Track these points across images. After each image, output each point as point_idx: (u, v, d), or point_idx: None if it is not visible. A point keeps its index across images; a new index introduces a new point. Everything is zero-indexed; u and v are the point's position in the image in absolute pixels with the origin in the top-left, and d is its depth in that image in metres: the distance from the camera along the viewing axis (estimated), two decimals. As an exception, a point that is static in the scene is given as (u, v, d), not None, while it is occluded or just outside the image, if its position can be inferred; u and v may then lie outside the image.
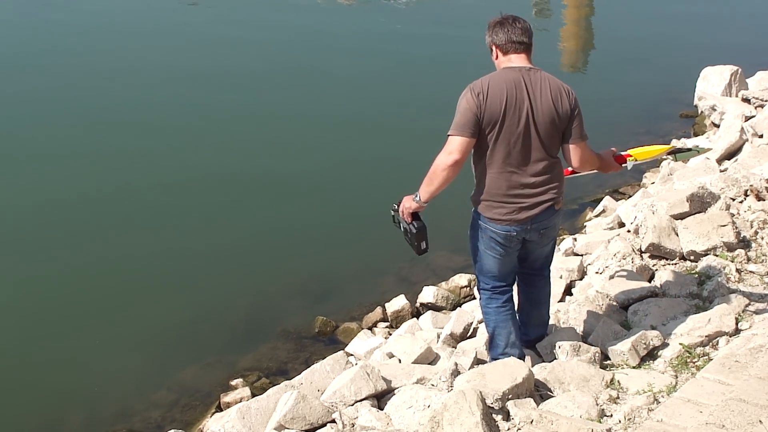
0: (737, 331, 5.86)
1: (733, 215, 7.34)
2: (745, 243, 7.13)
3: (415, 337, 7.00)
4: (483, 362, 5.92)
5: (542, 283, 6.05)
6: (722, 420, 4.45)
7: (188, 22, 16.80)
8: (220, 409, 7.00)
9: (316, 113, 12.59)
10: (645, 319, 6.25)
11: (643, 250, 7.16)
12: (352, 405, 5.60)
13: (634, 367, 5.66)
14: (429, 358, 6.42)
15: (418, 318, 7.82)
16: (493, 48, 5.59)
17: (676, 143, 11.49)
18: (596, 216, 9.74)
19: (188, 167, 10.81)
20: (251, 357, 7.76)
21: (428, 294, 8.11)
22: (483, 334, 6.59)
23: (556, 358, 5.85)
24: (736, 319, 5.94)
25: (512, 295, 5.91)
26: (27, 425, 6.99)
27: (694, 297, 6.45)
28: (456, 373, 5.57)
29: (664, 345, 5.84)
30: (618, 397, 5.23)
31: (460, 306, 7.83)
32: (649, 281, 6.75)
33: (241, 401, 6.71)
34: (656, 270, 6.93)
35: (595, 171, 6.02)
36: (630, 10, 19.25)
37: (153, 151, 11.22)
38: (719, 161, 9.49)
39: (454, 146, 5.32)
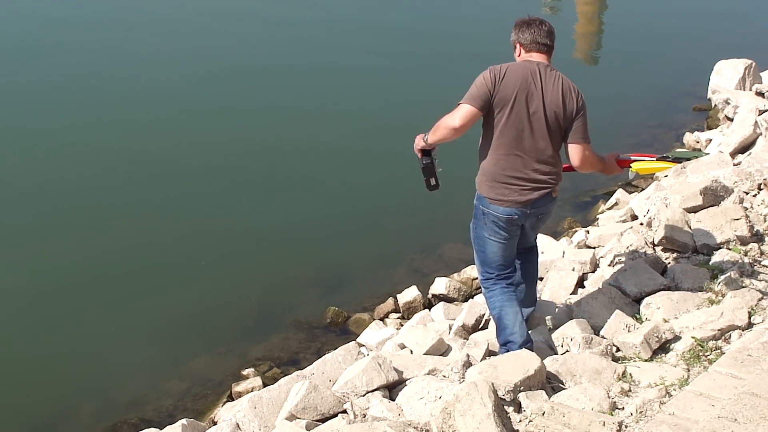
0: (750, 325, 5.84)
1: (746, 209, 7.33)
2: (758, 237, 7.11)
3: (426, 328, 7.00)
4: (495, 354, 5.92)
5: (529, 259, 6.42)
6: (734, 414, 4.44)
7: (190, 13, 16.76)
8: (231, 398, 7.02)
9: (330, 106, 12.56)
10: (657, 312, 6.24)
11: (655, 243, 7.15)
12: (364, 395, 5.60)
13: (646, 360, 5.66)
14: (441, 350, 6.42)
15: (430, 309, 7.82)
16: (517, 45, 5.95)
17: (689, 136, 11.47)
18: (609, 209, 9.73)
19: (202, 159, 10.80)
20: (263, 347, 7.77)
21: (440, 285, 8.11)
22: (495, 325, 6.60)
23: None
24: (749, 312, 5.93)
25: (514, 281, 6.16)
26: (40, 414, 7.00)
27: (707, 290, 6.44)
28: (468, 364, 5.57)
29: (677, 338, 5.83)
30: (630, 390, 5.22)
31: (472, 297, 7.83)
32: (662, 274, 6.74)
33: (252, 391, 6.72)
34: (669, 263, 6.92)
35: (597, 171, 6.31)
36: (643, 3, 19.18)
37: (168, 143, 11.22)
38: (733, 155, 9.46)
39: (460, 113, 5.71)
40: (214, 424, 6.46)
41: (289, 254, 9.02)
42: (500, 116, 5.71)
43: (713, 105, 12.47)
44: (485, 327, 6.87)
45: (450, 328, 7.06)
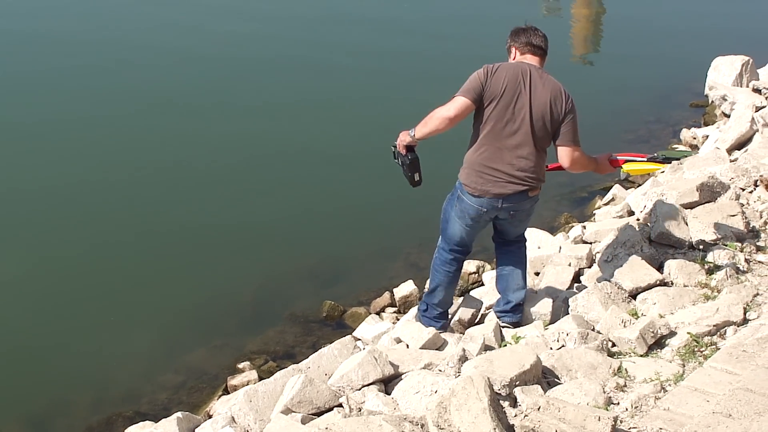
0: (745, 321, 5.86)
1: (742, 205, 7.34)
2: (754, 233, 7.13)
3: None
4: (491, 348, 5.93)
5: (516, 247, 6.71)
6: (729, 409, 4.45)
7: (188, 11, 16.75)
8: (227, 391, 7.01)
9: (327, 101, 12.56)
10: (653, 307, 6.25)
11: (652, 238, 7.15)
12: (360, 389, 5.60)
13: (641, 356, 5.66)
14: (437, 344, 6.42)
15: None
16: (513, 49, 6.29)
17: (686, 132, 11.47)
18: (605, 204, 9.74)
19: (197, 151, 10.79)
20: (259, 340, 7.77)
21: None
22: (491, 320, 6.61)
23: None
24: (744, 308, 5.94)
25: (462, 265, 6.74)
26: (35, 406, 6.99)
27: (703, 286, 6.45)
28: (464, 358, 5.58)
29: (672, 334, 5.84)
30: (625, 385, 5.24)
31: (468, 292, 7.81)
32: (658, 270, 6.74)
33: (248, 384, 6.73)
34: (665, 259, 6.92)
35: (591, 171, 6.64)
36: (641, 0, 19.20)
37: (163, 136, 11.20)
38: (729, 151, 9.46)
39: (455, 104, 6.02)
40: (210, 417, 6.45)
41: (286, 248, 9.02)
42: (488, 110, 6.03)
43: (710, 101, 12.46)
44: (481, 321, 6.87)
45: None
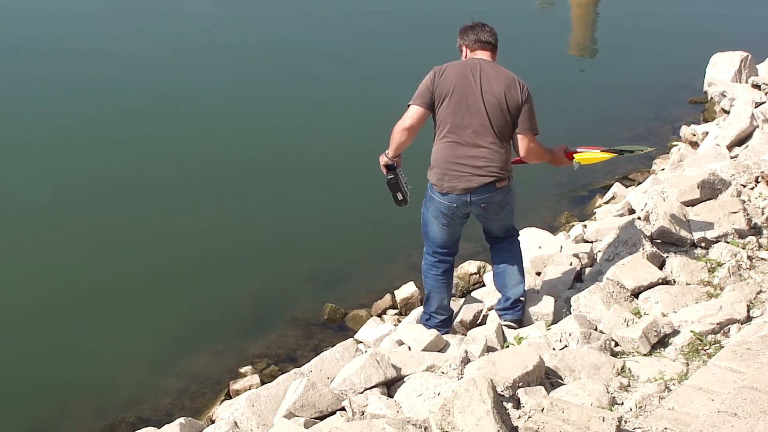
0: (749, 319, 5.84)
1: (744, 202, 7.32)
2: (756, 230, 7.10)
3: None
4: (493, 350, 5.91)
5: (507, 242, 6.74)
6: (734, 408, 4.42)
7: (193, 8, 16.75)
8: (229, 396, 7.00)
9: (326, 99, 12.55)
10: (656, 306, 6.23)
11: (653, 237, 7.13)
12: (362, 392, 5.58)
13: (645, 355, 5.64)
14: (439, 346, 6.40)
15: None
16: (463, 48, 6.42)
17: (686, 129, 11.45)
18: (606, 203, 9.72)
19: (197, 154, 10.78)
20: (260, 344, 7.76)
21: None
22: (493, 321, 6.58)
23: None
24: (748, 306, 5.92)
25: (451, 266, 6.78)
26: (37, 412, 6.99)
27: (705, 284, 6.43)
28: (466, 360, 5.55)
29: (675, 332, 5.82)
30: (629, 385, 5.21)
31: (469, 293, 7.80)
32: (660, 268, 6.72)
33: (250, 389, 6.70)
34: (667, 257, 6.90)
35: (546, 162, 6.66)
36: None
37: (163, 139, 11.20)
38: (729, 147, 9.43)
39: (408, 113, 6.20)
40: (212, 422, 6.43)
41: (286, 251, 9.01)
42: (441, 109, 6.17)
43: (709, 98, 12.44)
44: (483, 323, 6.85)
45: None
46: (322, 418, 5.49)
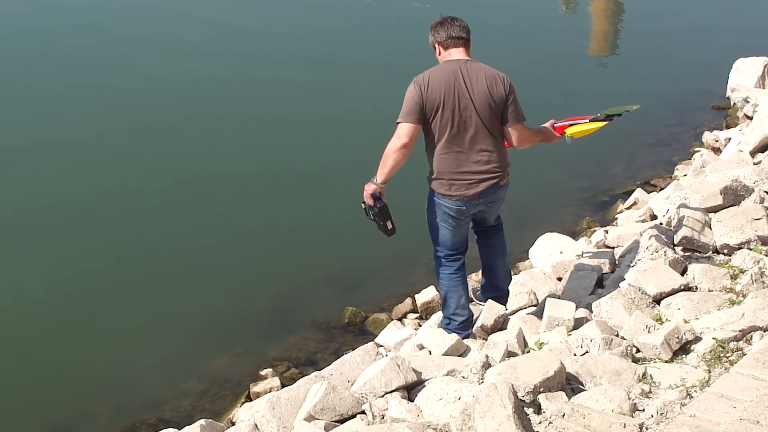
0: (771, 326, 5.80)
1: (766, 208, 7.27)
2: (779, 236, 7.06)
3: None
4: (514, 355, 5.90)
5: (497, 237, 7.00)
6: (756, 416, 4.40)
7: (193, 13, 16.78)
8: (249, 399, 7.02)
9: (348, 107, 12.56)
10: (678, 312, 6.20)
11: (675, 243, 7.10)
12: (382, 396, 5.58)
13: (666, 362, 5.61)
14: (459, 350, 6.39)
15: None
16: (436, 45, 6.36)
17: (708, 135, 11.41)
18: (627, 208, 9.69)
19: (221, 160, 10.83)
20: (281, 347, 7.77)
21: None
22: (513, 326, 6.58)
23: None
24: (771, 313, 5.88)
25: (464, 263, 6.78)
26: (58, 413, 7.02)
27: (728, 291, 6.39)
28: (487, 365, 5.54)
29: (697, 339, 5.78)
30: (650, 392, 5.19)
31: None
32: (682, 275, 6.70)
33: (270, 391, 6.72)
34: (689, 263, 6.87)
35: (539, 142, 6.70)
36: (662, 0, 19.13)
37: (190, 145, 11.25)
38: (752, 154, 9.40)
39: (402, 131, 6.14)
40: (233, 424, 6.45)
41: (307, 254, 9.03)
42: (434, 120, 6.15)
43: (732, 103, 12.40)
44: (504, 327, 6.85)
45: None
46: (342, 421, 5.50)
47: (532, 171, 10.41)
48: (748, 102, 11.70)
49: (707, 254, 6.98)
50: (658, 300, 6.48)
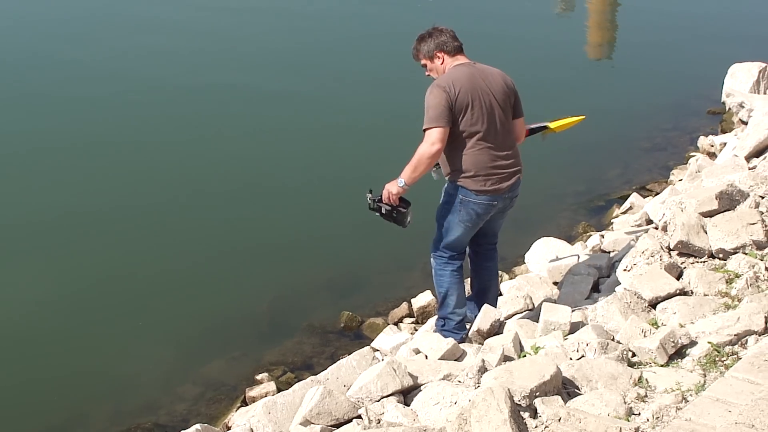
0: (766, 330, 5.80)
1: (762, 213, 7.28)
2: (774, 241, 7.06)
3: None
4: (510, 359, 5.90)
5: (495, 253, 7.08)
6: (752, 420, 4.41)
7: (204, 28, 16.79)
8: (245, 403, 7.02)
9: (341, 107, 12.59)
10: (673, 317, 6.20)
11: (671, 247, 7.11)
12: (379, 401, 5.58)
13: (662, 366, 5.62)
14: (455, 355, 6.39)
15: (444, 314, 7.80)
16: (440, 54, 6.47)
17: (704, 140, 11.43)
18: (623, 213, 9.70)
19: (215, 166, 10.83)
20: (276, 351, 7.78)
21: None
22: (509, 330, 6.58)
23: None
24: (766, 318, 5.87)
25: (462, 264, 6.86)
26: (54, 418, 7.03)
27: (723, 295, 6.40)
28: (483, 369, 5.55)
29: (693, 343, 5.79)
30: (646, 396, 5.20)
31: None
32: (678, 279, 6.70)
33: (266, 396, 6.72)
34: (685, 268, 6.88)
35: None
36: (656, 6, 19.15)
37: (182, 151, 11.25)
38: (748, 158, 9.40)
39: (436, 137, 6.18)
40: (228, 429, 6.47)
41: (303, 258, 9.03)
42: (464, 120, 6.26)
43: (727, 108, 12.42)
44: (500, 332, 6.85)
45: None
46: (338, 425, 5.49)
47: (529, 175, 10.36)
48: (743, 107, 11.72)
49: (703, 259, 6.99)
50: (653, 304, 6.48)
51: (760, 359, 5.15)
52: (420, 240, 7.14)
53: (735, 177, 8.14)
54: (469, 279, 7.30)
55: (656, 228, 7.71)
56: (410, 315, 8.10)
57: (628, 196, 10.05)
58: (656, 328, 6.07)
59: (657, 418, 4.84)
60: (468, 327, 6.96)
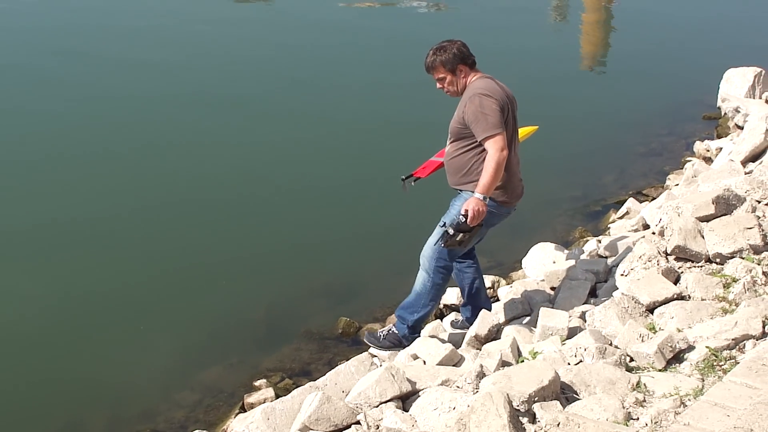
0: (764, 335, 5.81)
1: (759, 217, 7.30)
2: (771, 245, 7.08)
3: (439, 338, 6.99)
4: (508, 364, 5.91)
5: (474, 252, 7.06)
6: (750, 424, 4.42)
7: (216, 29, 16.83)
8: (243, 409, 7.01)
9: (337, 117, 12.60)
10: (671, 321, 6.22)
11: (668, 252, 7.13)
12: (377, 406, 5.59)
13: (660, 370, 5.63)
14: (453, 360, 6.41)
15: (441, 319, 7.81)
16: (462, 67, 6.44)
17: (699, 145, 11.45)
18: (620, 218, 9.72)
19: (213, 174, 10.84)
20: (274, 358, 7.78)
21: (452, 295, 8.09)
22: (507, 336, 6.58)
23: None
24: (763, 322, 5.89)
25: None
26: (51, 423, 7.01)
27: (721, 300, 6.41)
28: (481, 375, 5.56)
29: (690, 348, 5.81)
30: (644, 400, 5.21)
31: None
32: (675, 284, 6.72)
33: (265, 402, 6.71)
34: (682, 272, 6.90)
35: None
36: (651, 10, 19.20)
37: (179, 159, 11.27)
38: (744, 163, 9.43)
39: (503, 143, 6.17)
40: (227, 435, 6.45)
41: (300, 265, 9.03)
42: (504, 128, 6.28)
43: (723, 113, 12.46)
44: (498, 337, 6.86)
45: (462, 339, 7.05)
46: None
47: (525, 181, 10.42)
48: (738, 112, 11.76)
49: (700, 263, 7.00)
50: (651, 309, 6.50)
51: (758, 363, 5.16)
52: (416, 246, 7.13)
53: (731, 182, 8.16)
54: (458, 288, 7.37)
55: (653, 233, 7.73)
56: (408, 321, 8.08)
57: (625, 201, 10.06)
58: (654, 333, 6.08)
59: (655, 422, 4.85)
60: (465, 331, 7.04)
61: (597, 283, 7.41)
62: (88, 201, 10.00)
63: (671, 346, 5.75)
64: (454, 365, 6.36)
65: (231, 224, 9.71)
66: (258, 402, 6.92)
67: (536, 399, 5.05)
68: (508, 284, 8.30)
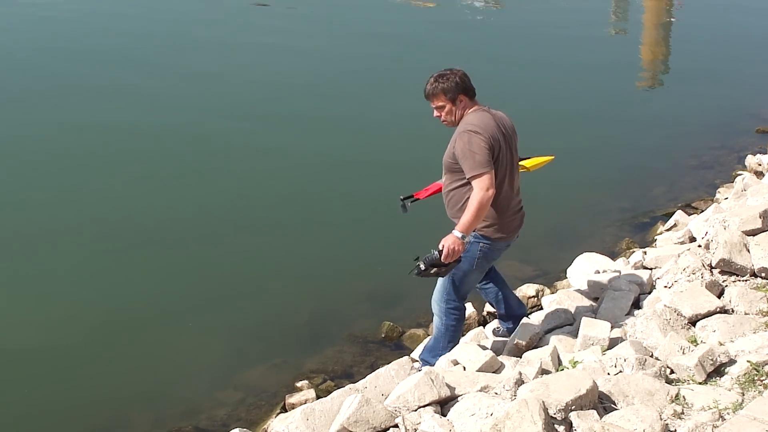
0: (807, 351, 5.78)
1: (806, 233, 7.24)
2: (818, 261, 7.01)
3: (480, 345, 7.00)
4: (548, 372, 5.92)
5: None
6: (788, 439, 4.41)
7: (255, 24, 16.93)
8: (284, 409, 7.07)
9: (385, 117, 12.65)
10: (713, 335, 6.18)
11: (713, 265, 7.08)
12: (416, 410, 5.61)
13: (700, 383, 5.61)
14: (494, 367, 6.41)
15: (484, 326, 7.82)
16: (464, 98, 6.32)
17: (751, 159, 11.35)
18: (667, 230, 9.67)
19: (265, 177, 10.96)
20: (317, 359, 7.83)
21: (494, 302, 8.09)
22: (548, 344, 6.58)
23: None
24: (806, 338, 5.86)
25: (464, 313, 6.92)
26: (96, 421, 7.10)
27: (764, 314, 6.36)
28: (520, 382, 5.57)
29: (732, 362, 5.77)
30: (683, 413, 5.19)
31: (526, 316, 7.80)
32: (719, 297, 6.68)
33: (305, 403, 6.77)
34: (726, 286, 6.86)
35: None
36: (708, 23, 19.07)
37: (235, 162, 11.41)
38: (794, 177, 9.36)
39: (489, 182, 6.04)
40: (267, 434, 6.51)
41: (346, 269, 9.10)
42: (497, 165, 6.16)
43: (777, 127, 12.35)
44: (538, 345, 6.86)
45: (504, 346, 7.06)
46: (375, 434, 5.54)
47: (574, 191, 10.44)
48: (792, 126, 11.66)
49: (745, 277, 6.95)
50: (693, 322, 6.47)
51: (799, 379, 5.13)
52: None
53: (780, 196, 8.10)
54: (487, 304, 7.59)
55: (699, 246, 7.69)
56: (451, 327, 8.10)
57: (673, 213, 10.01)
58: (695, 346, 6.05)
59: (693, 435, 4.84)
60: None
61: (640, 295, 7.37)
62: (147, 203, 10.17)
63: (712, 360, 5.72)
64: (493, 372, 6.36)
65: (279, 228, 9.82)
66: (299, 402, 6.98)
67: (573, 408, 5.05)
68: (552, 293, 8.29)
